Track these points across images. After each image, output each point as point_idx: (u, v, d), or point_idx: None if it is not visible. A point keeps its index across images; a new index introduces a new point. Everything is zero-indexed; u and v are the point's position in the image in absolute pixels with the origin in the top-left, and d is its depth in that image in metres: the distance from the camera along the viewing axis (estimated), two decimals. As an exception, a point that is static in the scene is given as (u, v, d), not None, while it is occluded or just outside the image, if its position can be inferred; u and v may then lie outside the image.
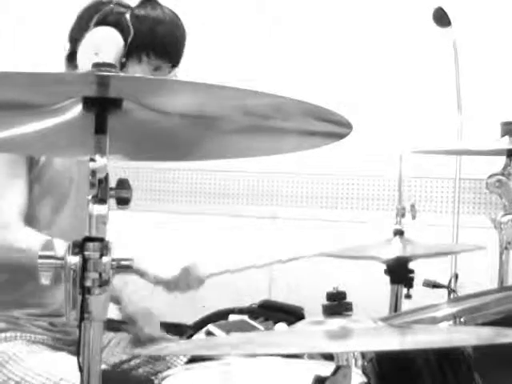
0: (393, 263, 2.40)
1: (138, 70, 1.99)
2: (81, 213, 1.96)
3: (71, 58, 2.01)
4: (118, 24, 1.96)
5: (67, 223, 2.04)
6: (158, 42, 2.01)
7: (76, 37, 1.99)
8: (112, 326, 2.23)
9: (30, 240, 1.89)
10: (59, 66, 2.05)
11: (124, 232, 2.06)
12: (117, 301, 2.24)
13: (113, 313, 2.17)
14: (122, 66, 1.95)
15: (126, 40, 1.96)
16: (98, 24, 1.96)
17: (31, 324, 2.03)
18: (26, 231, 1.95)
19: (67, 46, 2.03)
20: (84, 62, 1.96)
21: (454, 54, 3.18)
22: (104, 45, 1.94)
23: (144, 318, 2.23)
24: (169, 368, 2.06)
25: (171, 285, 2.01)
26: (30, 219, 1.99)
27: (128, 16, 1.97)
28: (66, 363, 1.88)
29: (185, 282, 2.02)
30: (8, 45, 3.90)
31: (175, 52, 2.06)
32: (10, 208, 1.95)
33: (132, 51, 1.97)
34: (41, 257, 1.21)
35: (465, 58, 3.22)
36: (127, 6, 2.00)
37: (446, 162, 3.30)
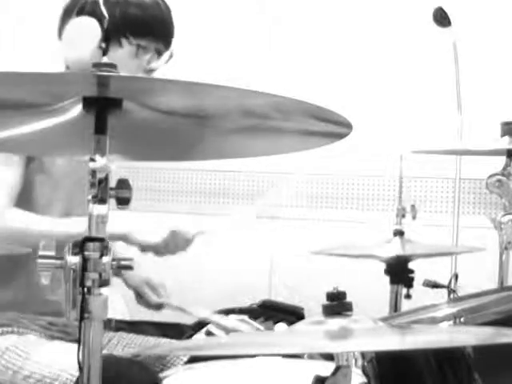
0: (393, 263, 2.40)
1: (122, 54, 2.03)
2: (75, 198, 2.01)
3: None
4: (93, 13, 1.99)
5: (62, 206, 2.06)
6: (132, 22, 2.03)
7: (60, 33, 2.06)
8: (112, 326, 2.24)
9: (23, 219, 1.92)
10: (59, 66, 2.06)
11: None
12: (118, 274, 2.27)
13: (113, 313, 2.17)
14: (104, 52, 1.98)
15: (102, 26, 1.98)
16: (77, 16, 2.01)
17: (31, 323, 2.03)
18: (16, 211, 1.96)
19: (57, 42, 2.07)
20: (66, 57, 2.02)
21: (454, 53, 3.18)
22: (80, 35, 1.99)
23: (146, 286, 2.33)
24: (169, 368, 2.06)
25: (160, 248, 2.03)
26: (27, 201, 2.00)
27: (101, 2, 2.00)
28: (67, 352, 1.90)
29: (173, 243, 2.04)
30: (8, 45, 3.89)
31: (154, 30, 2.07)
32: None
33: (111, 36, 2.00)
34: (41, 257, 1.21)
35: (465, 58, 3.22)
36: None
37: (446, 162, 3.30)
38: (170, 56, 2.10)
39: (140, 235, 2.01)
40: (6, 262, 2.01)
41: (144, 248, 2.01)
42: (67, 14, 2.05)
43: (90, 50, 1.97)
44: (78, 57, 1.98)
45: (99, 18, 1.98)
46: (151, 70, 2.07)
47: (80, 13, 2.01)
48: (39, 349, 1.98)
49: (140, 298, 2.35)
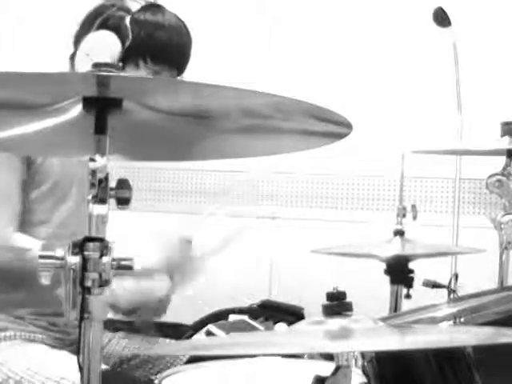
0: (393, 263, 2.40)
1: None
2: (81, 210, 1.97)
3: (73, 60, 2.02)
4: (117, 28, 1.95)
5: (67, 218, 2.04)
6: (154, 47, 1.99)
7: (78, 40, 2.00)
8: (112, 325, 2.23)
9: (25, 242, 1.90)
10: (59, 65, 2.05)
11: (124, 232, 2.06)
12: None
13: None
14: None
15: (123, 44, 1.95)
16: (99, 28, 1.96)
17: (31, 324, 2.03)
18: (19, 235, 1.95)
19: (71, 48, 2.03)
20: (80, 65, 1.97)
21: (454, 53, 3.18)
22: (98, 48, 1.94)
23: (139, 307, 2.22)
24: (169, 368, 2.06)
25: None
26: (28, 215, 1.99)
27: (128, 20, 1.97)
28: (67, 362, 1.88)
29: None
30: (8, 45, 3.90)
31: (174, 58, 2.03)
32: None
33: (129, 56, 1.96)
34: (41, 257, 1.21)
35: (465, 58, 3.22)
36: (128, 11, 1.99)
37: (446, 162, 3.30)
38: None
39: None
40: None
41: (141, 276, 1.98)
42: (88, 24, 1.99)
43: None
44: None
45: (122, 35, 1.94)
46: None
47: (102, 25, 1.96)
48: (40, 358, 1.97)
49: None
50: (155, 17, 2.01)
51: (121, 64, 1.93)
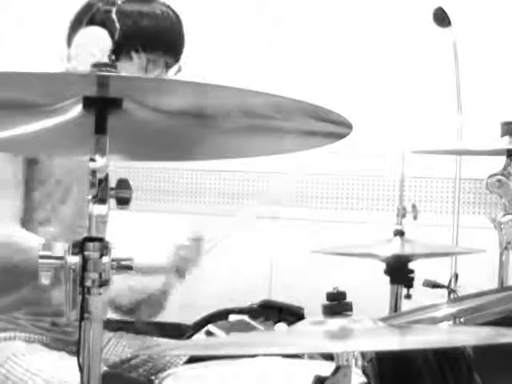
0: (393, 263, 2.40)
1: (131, 67, 1.99)
2: (82, 209, 1.97)
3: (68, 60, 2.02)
4: (105, 22, 1.96)
5: (69, 217, 2.04)
6: (142, 36, 1.99)
7: (70, 40, 2.01)
8: (112, 326, 2.23)
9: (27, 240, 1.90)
10: (59, 66, 2.05)
11: (124, 232, 2.06)
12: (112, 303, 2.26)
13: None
14: None
15: (113, 37, 1.95)
16: (88, 24, 1.97)
17: (31, 324, 2.03)
18: (22, 232, 1.95)
19: (65, 49, 2.04)
20: (73, 65, 1.97)
21: (454, 53, 3.18)
22: (88, 45, 1.94)
23: (141, 306, 2.23)
24: (169, 368, 2.06)
25: (169, 271, 2.00)
26: (29, 215, 1.99)
27: (114, 13, 1.97)
28: (67, 364, 1.88)
29: (183, 263, 2.00)
30: (8, 45, 3.90)
31: (165, 45, 2.04)
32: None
33: (121, 48, 1.97)
34: (41, 257, 1.21)
35: (465, 58, 3.22)
36: (114, 3, 1.99)
37: (446, 162, 3.30)
38: (179, 70, 2.07)
39: (144, 258, 1.91)
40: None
41: (151, 273, 1.98)
42: (77, 22, 2.00)
43: (99, 60, 1.93)
44: (86, 68, 1.96)
45: (110, 28, 1.95)
46: None
47: (91, 22, 1.97)
48: (41, 360, 1.97)
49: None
50: (140, 6, 2.01)
51: (113, 57, 1.94)
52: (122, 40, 1.96)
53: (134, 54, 2.00)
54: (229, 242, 3.51)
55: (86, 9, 2.01)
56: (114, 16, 1.96)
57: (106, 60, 1.91)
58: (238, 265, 3.60)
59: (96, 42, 1.94)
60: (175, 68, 2.06)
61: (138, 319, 2.19)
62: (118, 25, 1.95)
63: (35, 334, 2.02)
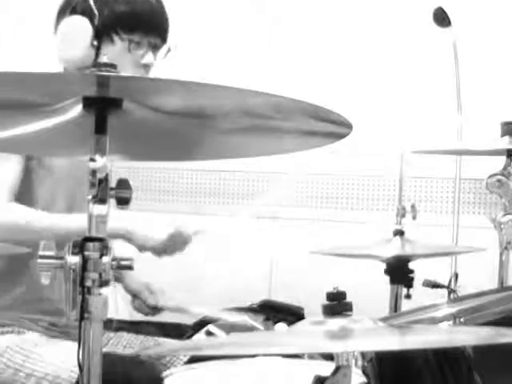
0: (393, 263, 2.40)
1: (114, 50, 2.03)
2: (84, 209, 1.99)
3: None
4: (84, 11, 2.02)
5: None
6: (120, 18, 2.04)
7: (56, 30, 2.08)
8: (112, 325, 2.24)
9: (25, 215, 1.92)
10: (59, 65, 2.06)
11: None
12: (119, 279, 2.29)
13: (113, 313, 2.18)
14: (97, 49, 2.01)
15: (93, 24, 2.01)
16: (71, 14, 2.04)
17: (33, 324, 2.03)
18: (18, 207, 1.96)
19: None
20: (60, 56, 2.04)
21: (454, 53, 3.18)
22: (72, 34, 2.02)
23: (146, 291, 2.33)
24: (169, 368, 2.06)
25: (160, 249, 2.02)
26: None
27: (91, 0, 2.02)
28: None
29: (172, 244, 2.03)
30: (8, 45, 3.90)
31: (144, 24, 2.07)
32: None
33: (102, 33, 2.02)
34: (41, 257, 1.21)
35: (465, 58, 3.22)
36: None
37: (446, 162, 3.30)
38: (168, 50, 2.09)
39: (140, 233, 2.00)
40: (7, 262, 2.01)
41: (143, 248, 2.00)
42: (61, 13, 2.08)
43: (82, 48, 2.00)
44: (71, 55, 2.00)
45: (90, 16, 2.01)
46: (147, 65, 2.07)
47: (72, 12, 2.04)
48: (40, 347, 1.98)
49: (137, 303, 2.33)
50: None
51: (96, 43, 2.00)
52: (102, 26, 2.02)
53: (115, 37, 2.04)
54: (228, 242, 3.52)
55: (67, 2, 2.08)
56: (91, 4, 2.02)
57: (89, 45, 2.00)
58: (238, 265, 3.59)
59: (78, 30, 2.02)
60: (164, 48, 2.08)
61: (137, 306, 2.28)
62: (96, 12, 2.01)
63: (36, 332, 2.03)
